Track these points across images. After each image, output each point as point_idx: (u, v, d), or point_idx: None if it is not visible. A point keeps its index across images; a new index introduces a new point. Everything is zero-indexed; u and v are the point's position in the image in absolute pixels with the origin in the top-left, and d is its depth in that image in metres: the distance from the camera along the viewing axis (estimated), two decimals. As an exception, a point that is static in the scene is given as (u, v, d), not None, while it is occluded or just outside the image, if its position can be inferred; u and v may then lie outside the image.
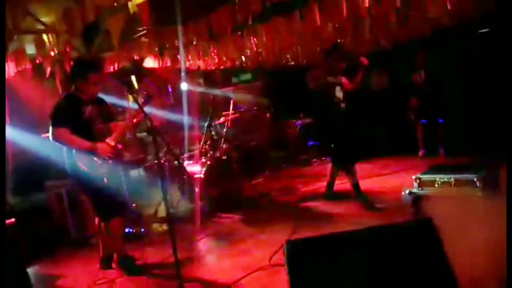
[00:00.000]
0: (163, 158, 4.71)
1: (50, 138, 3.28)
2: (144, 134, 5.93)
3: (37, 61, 5.13)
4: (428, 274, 1.94)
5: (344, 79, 4.54)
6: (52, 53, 5.06)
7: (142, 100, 3.44)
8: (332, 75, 4.48)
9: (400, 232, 2.03)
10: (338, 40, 5.70)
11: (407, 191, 3.45)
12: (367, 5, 4.24)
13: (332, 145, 4.48)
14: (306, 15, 4.97)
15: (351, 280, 1.95)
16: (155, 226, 4.74)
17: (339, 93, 4.48)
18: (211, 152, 5.17)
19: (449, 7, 4.65)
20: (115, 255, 3.51)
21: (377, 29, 5.56)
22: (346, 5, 4.56)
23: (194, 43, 5.64)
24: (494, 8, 5.24)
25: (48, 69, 5.20)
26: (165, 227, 4.60)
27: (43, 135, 4.76)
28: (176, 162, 2.95)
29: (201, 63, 7.02)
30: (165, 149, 4.84)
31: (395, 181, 4.97)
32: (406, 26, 5.36)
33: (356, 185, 4.39)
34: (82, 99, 3.37)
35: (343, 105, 4.47)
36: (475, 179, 3.13)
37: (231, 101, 5.91)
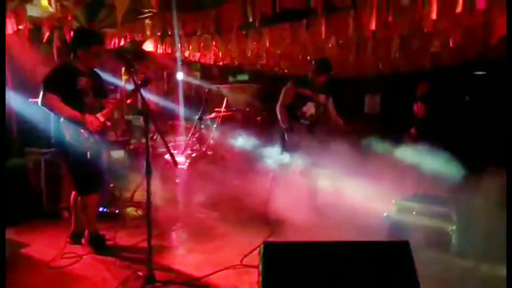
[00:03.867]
0: (150, 143, 4.66)
1: (39, 102, 3.22)
2: (131, 116, 5.87)
3: (36, 24, 5.04)
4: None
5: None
6: (53, 18, 5.00)
7: (139, 82, 3.39)
8: (307, 88, 4.43)
9: (376, 250, 2.07)
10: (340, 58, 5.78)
11: (385, 214, 3.51)
12: (373, 27, 4.31)
13: None
14: (312, 26, 5.03)
15: (321, 289, 1.98)
16: (130, 209, 4.68)
17: (311, 109, 4.44)
18: (198, 145, 5.15)
19: (451, 45, 4.79)
20: (86, 232, 3.46)
21: (379, 53, 5.66)
22: (352, 23, 4.65)
23: (198, 33, 5.62)
24: (492, 53, 5.42)
25: (47, 34, 5.11)
26: (140, 212, 4.55)
27: (30, 100, 4.68)
28: (167, 150, 2.94)
29: (200, 56, 7.01)
30: (151, 135, 4.82)
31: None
32: (407, 55, 5.48)
33: None
34: (78, 70, 3.32)
35: (306, 122, 4.43)
36: (451, 214, 3.21)
37: (225, 99, 5.91)
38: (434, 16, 3.95)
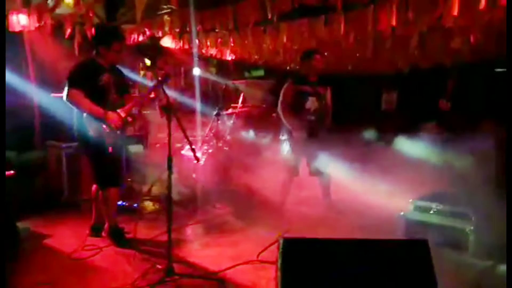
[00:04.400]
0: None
1: (64, 98, 3.31)
2: (148, 111, 5.95)
3: (59, 20, 5.15)
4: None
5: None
6: (74, 15, 5.10)
7: (160, 77, 3.44)
8: (302, 83, 4.36)
9: (395, 248, 2.08)
10: (357, 54, 5.74)
11: (401, 213, 3.49)
12: (394, 23, 4.27)
13: None
14: (331, 22, 5.01)
15: (339, 285, 2.00)
16: (147, 203, 4.76)
17: (314, 104, 4.35)
18: (214, 141, 5.20)
19: (471, 41, 4.72)
20: (106, 224, 3.54)
21: (397, 50, 5.60)
22: (372, 20, 4.61)
23: (217, 30, 5.66)
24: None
25: (68, 30, 5.22)
26: (157, 206, 4.63)
27: (53, 94, 4.79)
28: (189, 146, 3.00)
29: (216, 52, 7.04)
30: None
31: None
32: (426, 52, 5.41)
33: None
34: (101, 66, 3.41)
35: (311, 117, 4.35)
36: (469, 213, 3.18)
37: (241, 94, 5.93)
38: (455, 12, 3.90)
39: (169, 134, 2.85)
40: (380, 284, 1.99)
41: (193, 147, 5.21)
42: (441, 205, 3.35)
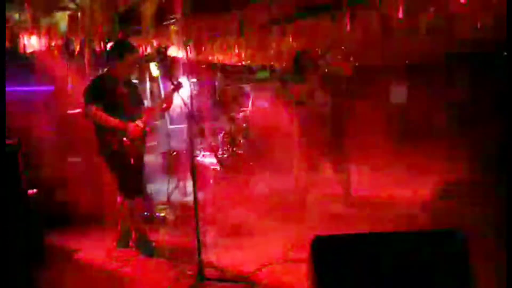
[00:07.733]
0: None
1: (82, 114, 3.35)
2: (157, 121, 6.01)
3: (67, 38, 5.20)
4: (450, 285, 1.99)
5: None
6: (82, 32, 5.15)
7: (172, 87, 3.49)
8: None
9: (428, 239, 2.08)
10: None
11: (426, 203, 3.51)
12: (400, 16, 4.28)
13: None
14: (337, 19, 5.02)
15: (375, 281, 2.00)
16: (167, 211, 4.79)
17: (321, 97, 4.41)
18: (229, 146, 5.24)
19: (478, 26, 4.71)
20: (133, 235, 3.58)
21: (404, 42, 5.60)
22: (377, 14, 4.63)
23: (223, 36, 5.70)
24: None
25: (77, 47, 5.27)
26: (177, 213, 4.66)
27: (68, 111, 4.86)
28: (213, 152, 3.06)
29: (222, 57, 7.07)
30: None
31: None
32: (434, 42, 5.40)
33: None
34: (115, 80, 3.46)
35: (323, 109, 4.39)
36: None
37: (251, 97, 5.97)
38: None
39: (192, 142, 2.88)
40: (417, 277, 1.98)
41: (205, 153, 5.27)
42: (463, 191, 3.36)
